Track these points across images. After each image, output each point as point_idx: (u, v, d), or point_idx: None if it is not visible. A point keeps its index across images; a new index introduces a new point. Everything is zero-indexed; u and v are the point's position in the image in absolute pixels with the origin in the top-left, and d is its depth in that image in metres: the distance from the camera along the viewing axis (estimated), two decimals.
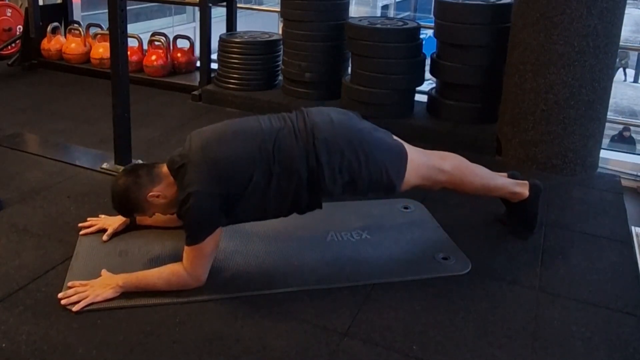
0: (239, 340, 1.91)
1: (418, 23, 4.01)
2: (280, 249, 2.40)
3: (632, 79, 17.50)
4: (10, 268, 2.24)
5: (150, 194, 2.13)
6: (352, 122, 2.23)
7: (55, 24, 5.21)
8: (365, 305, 2.10)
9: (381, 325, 2.01)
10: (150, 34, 4.96)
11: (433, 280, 2.26)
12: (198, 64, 4.75)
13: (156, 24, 12.72)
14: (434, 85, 4.04)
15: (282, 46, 4.35)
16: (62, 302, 2.03)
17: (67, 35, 5.16)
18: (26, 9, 5.09)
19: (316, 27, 4.07)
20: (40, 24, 5.13)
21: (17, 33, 5.33)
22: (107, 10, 2.88)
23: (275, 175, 2.09)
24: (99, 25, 5.27)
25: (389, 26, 3.85)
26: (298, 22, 4.10)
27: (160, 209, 2.22)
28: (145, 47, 4.92)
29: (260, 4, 14.27)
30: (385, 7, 21.14)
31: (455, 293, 2.19)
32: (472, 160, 2.48)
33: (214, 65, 4.56)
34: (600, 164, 3.43)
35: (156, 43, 4.84)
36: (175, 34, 5.03)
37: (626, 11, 3.27)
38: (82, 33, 5.15)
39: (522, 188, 2.52)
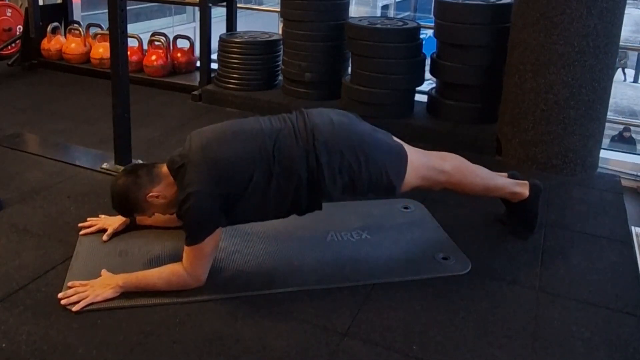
0: (239, 340, 1.91)
1: (418, 23, 4.01)
2: (280, 249, 2.40)
3: (632, 79, 17.50)
4: (10, 268, 2.24)
5: (150, 194, 2.14)
6: (352, 123, 2.23)
7: (55, 24, 5.21)
8: (365, 305, 2.10)
9: (381, 325, 2.01)
10: (150, 34, 4.96)
11: (433, 280, 2.26)
12: (198, 64, 4.75)
13: (156, 24, 12.72)
14: (434, 85, 4.04)
15: (282, 46, 4.35)
16: (62, 302, 2.03)
17: (67, 35, 5.16)
18: (26, 9, 5.09)
19: (316, 27, 4.07)
20: (40, 24, 5.13)
21: (17, 33, 5.33)
22: (107, 10, 2.88)
23: (275, 176, 2.09)
24: (99, 25, 5.27)
25: (389, 26, 3.85)
26: (298, 22, 4.10)
27: (159, 209, 2.22)
28: (145, 47, 4.92)
29: (260, 4, 14.27)
30: (385, 7, 21.14)
31: (455, 293, 2.19)
32: (472, 160, 2.48)
33: (214, 65, 4.56)
34: (600, 164, 3.43)
35: (156, 43, 4.84)
36: (175, 34, 5.03)
37: (626, 11, 3.27)
38: (82, 33, 5.15)
39: (522, 188, 2.52)
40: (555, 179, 3.22)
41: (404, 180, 2.23)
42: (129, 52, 3.32)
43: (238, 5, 4.79)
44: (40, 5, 5.20)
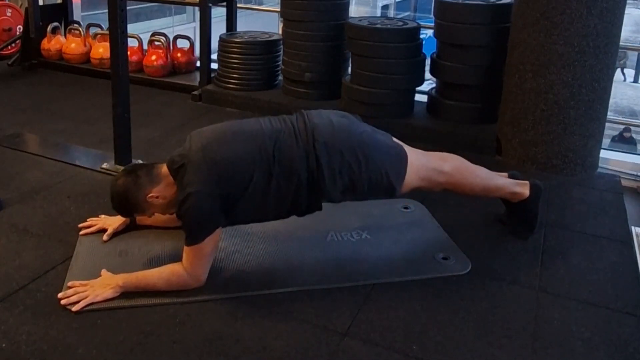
0: (239, 340, 1.91)
1: (418, 23, 4.01)
2: (280, 249, 2.40)
3: (631, 79, 17.49)
4: (10, 268, 2.24)
5: (149, 194, 2.14)
6: (352, 124, 2.23)
7: (55, 24, 5.21)
8: (365, 305, 2.10)
9: (381, 325, 2.01)
10: (150, 34, 4.96)
11: (433, 280, 2.26)
12: (198, 64, 4.75)
13: (156, 24, 12.72)
14: (434, 85, 4.04)
15: (282, 46, 4.35)
16: (62, 302, 2.03)
17: (67, 35, 5.16)
18: (26, 9, 5.09)
19: (316, 27, 4.07)
20: (40, 24, 5.13)
21: (17, 33, 5.33)
22: (107, 10, 2.88)
23: (275, 176, 2.09)
24: (99, 25, 5.27)
25: (389, 26, 3.84)
26: (298, 22, 4.10)
27: (159, 209, 2.22)
28: (145, 47, 4.92)
29: (260, 4, 14.27)
30: (385, 7, 21.14)
31: (455, 293, 2.19)
32: (472, 161, 2.48)
33: (214, 65, 4.56)
34: (600, 164, 3.43)
35: (156, 43, 4.84)
36: (175, 34, 5.03)
37: (626, 11, 3.27)
38: (82, 33, 5.15)
39: (522, 188, 2.52)
40: (555, 179, 3.22)
41: (404, 181, 2.24)
42: (129, 52, 3.32)
43: (238, 5, 4.79)
44: (40, 5, 5.20)
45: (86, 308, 2.01)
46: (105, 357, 1.82)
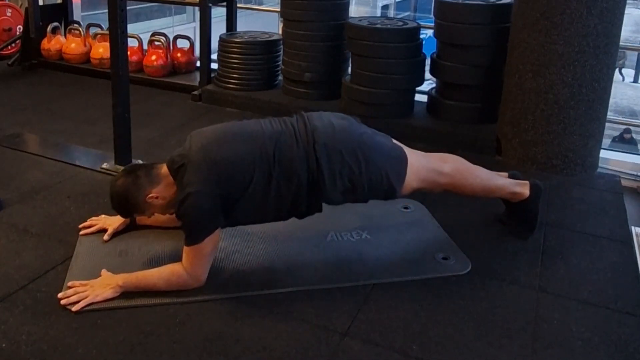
0: (239, 340, 1.91)
1: (418, 23, 4.01)
2: (280, 249, 2.40)
3: (631, 79, 17.48)
4: (10, 268, 2.24)
5: (149, 195, 2.14)
6: (352, 126, 2.23)
7: (55, 24, 5.21)
8: (365, 305, 2.10)
9: (381, 325, 2.01)
10: (150, 34, 4.96)
11: (433, 280, 2.26)
12: (198, 64, 4.75)
13: (156, 24, 12.72)
14: (434, 85, 4.04)
15: (282, 46, 4.35)
16: (62, 302, 2.03)
17: (67, 35, 5.16)
18: (26, 9, 5.09)
19: (316, 27, 4.07)
20: (40, 24, 5.13)
21: (17, 33, 5.33)
22: (107, 10, 2.88)
23: (275, 177, 2.09)
24: (99, 25, 5.27)
25: (389, 26, 3.84)
26: (298, 22, 4.10)
27: (159, 210, 2.22)
28: (145, 47, 4.92)
29: (260, 4, 14.27)
30: (385, 7, 21.13)
31: (455, 293, 2.19)
32: (472, 161, 2.48)
33: (214, 65, 4.56)
34: (600, 164, 3.43)
35: (156, 43, 4.84)
36: (175, 34, 5.03)
37: (626, 11, 3.27)
38: (82, 33, 5.15)
39: (522, 188, 2.52)
40: (555, 179, 3.22)
41: (404, 182, 2.24)
42: (129, 52, 3.32)
43: (238, 5, 4.79)
44: (40, 5, 5.20)
45: (86, 308, 2.01)
46: (105, 357, 1.82)
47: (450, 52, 3.73)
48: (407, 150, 2.28)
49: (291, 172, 2.09)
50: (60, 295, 2.06)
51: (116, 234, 2.47)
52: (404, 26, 3.85)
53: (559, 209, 2.90)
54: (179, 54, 4.90)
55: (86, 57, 5.08)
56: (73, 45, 5.09)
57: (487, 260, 2.40)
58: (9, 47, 5.34)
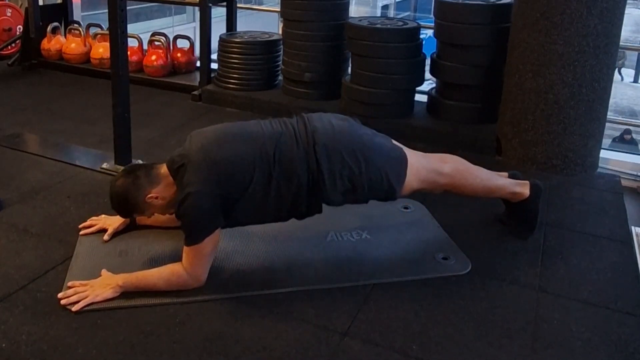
0: (239, 340, 1.91)
1: (418, 23, 4.01)
2: (280, 249, 2.40)
3: (631, 79, 17.47)
4: (10, 268, 2.24)
5: (148, 195, 2.14)
6: (352, 128, 2.23)
7: (55, 24, 5.21)
8: (365, 305, 2.10)
9: (381, 325, 2.01)
10: (150, 34, 4.96)
11: (433, 280, 2.26)
12: (198, 64, 4.75)
13: (156, 24, 12.72)
14: (434, 85, 4.04)
15: (282, 46, 4.35)
16: (62, 302, 2.03)
17: (67, 35, 5.16)
18: (26, 9, 5.09)
19: (316, 27, 4.07)
20: (40, 24, 5.13)
21: (17, 33, 5.33)
22: (107, 10, 2.88)
23: (275, 178, 2.09)
24: (99, 25, 5.27)
25: (389, 26, 3.84)
26: (298, 22, 4.10)
27: (158, 210, 2.22)
28: (145, 47, 4.92)
29: (260, 4, 14.27)
30: (385, 7, 21.14)
31: (455, 293, 2.19)
32: (472, 161, 2.48)
33: (214, 65, 4.56)
34: (600, 164, 3.43)
35: (156, 43, 4.84)
36: (175, 34, 5.03)
37: (626, 11, 3.27)
38: (82, 33, 5.15)
39: (522, 188, 2.52)
40: (555, 179, 3.22)
41: (404, 183, 2.24)
42: (129, 52, 3.32)
43: (238, 5, 4.79)
44: (40, 5, 5.20)
45: (86, 308, 2.01)
46: (105, 357, 1.82)
47: (450, 52, 3.73)
48: (407, 151, 2.29)
49: (291, 173, 2.09)
50: (60, 295, 2.06)
51: (116, 234, 2.47)
52: (404, 26, 3.85)
53: (559, 209, 2.90)
54: (179, 54, 4.90)
55: (86, 57, 5.08)
56: (73, 45, 5.09)
57: (487, 260, 2.40)
58: (9, 47, 5.34)
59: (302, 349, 1.89)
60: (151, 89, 4.64)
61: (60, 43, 5.15)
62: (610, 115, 3.54)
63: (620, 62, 15.18)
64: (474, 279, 2.28)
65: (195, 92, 4.44)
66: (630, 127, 9.71)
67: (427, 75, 4.00)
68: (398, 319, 2.04)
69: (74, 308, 2.00)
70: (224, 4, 4.64)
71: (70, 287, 2.09)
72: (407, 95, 3.95)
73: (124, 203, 2.18)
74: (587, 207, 2.96)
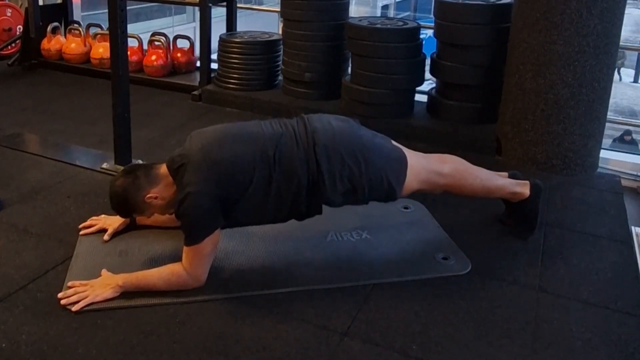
0: (239, 340, 1.91)
1: (418, 23, 4.01)
2: (280, 249, 2.40)
3: (631, 79, 17.47)
4: (10, 268, 2.24)
5: (148, 195, 2.14)
6: (352, 129, 2.24)
7: (55, 24, 5.21)
8: (365, 305, 2.10)
9: (381, 325, 2.01)
10: (150, 34, 4.96)
11: (433, 280, 2.26)
12: (198, 64, 4.75)
13: (156, 24, 12.71)
14: (434, 85, 4.04)
15: (282, 46, 4.35)
16: (62, 302, 2.03)
17: (67, 35, 5.16)
18: (26, 9, 5.08)
19: (316, 27, 4.07)
20: (40, 24, 5.12)
21: (17, 33, 5.33)
22: (107, 10, 2.88)
23: (275, 178, 2.09)
24: (99, 25, 5.27)
25: (389, 26, 3.84)
26: (298, 22, 4.10)
27: (158, 210, 2.22)
28: (145, 47, 4.92)
29: (260, 4, 14.27)
30: (385, 7, 21.13)
31: (455, 293, 2.19)
32: (472, 161, 2.48)
33: (214, 65, 4.56)
34: (600, 164, 3.43)
35: (156, 43, 4.84)
36: (175, 34, 5.03)
37: (626, 11, 3.27)
38: (82, 33, 5.15)
39: (522, 188, 2.52)
40: (555, 179, 3.22)
41: (404, 184, 2.24)
42: (129, 52, 3.32)
43: (238, 5, 4.79)
44: (40, 5, 5.19)
45: (86, 308, 2.01)
46: (105, 357, 1.82)
47: (450, 52, 3.73)
48: (407, 152, 2.29)
49: (291, 174, 2.09)
50: (60, 295, 2.06)
51: (116, 234, 2.47)
52: (404, 26, 3.85)
53: (559, 209, 2.90)
54: (179, 54, 4.90)
55: (86, 57, 5.07)
56: (73, 45, 5.09)
57: (487, 260, 2.40)
58: (9, 47, 5.34)
59: (302, 349, 1.89)
60: (151, 89, 4.64)
61: (60, 43, 5.15)
62: (610, 115, 3.53)
63: (619, 62, 15.18)
64: (474, 279, 2.28)
65: (195, 92, 4.43)
66: (630, 128, 9.71)
67: (427, 75, 4.00)
68: (398, 319, 2.04)
69: (74, 308, 2.01)
70: (224, 4, 4.64)
71: (70, 287, 2.09)
72: (407, 95, 3.95)
73: (123, 203, 2.18)
74: (587, 207, 2.96)
